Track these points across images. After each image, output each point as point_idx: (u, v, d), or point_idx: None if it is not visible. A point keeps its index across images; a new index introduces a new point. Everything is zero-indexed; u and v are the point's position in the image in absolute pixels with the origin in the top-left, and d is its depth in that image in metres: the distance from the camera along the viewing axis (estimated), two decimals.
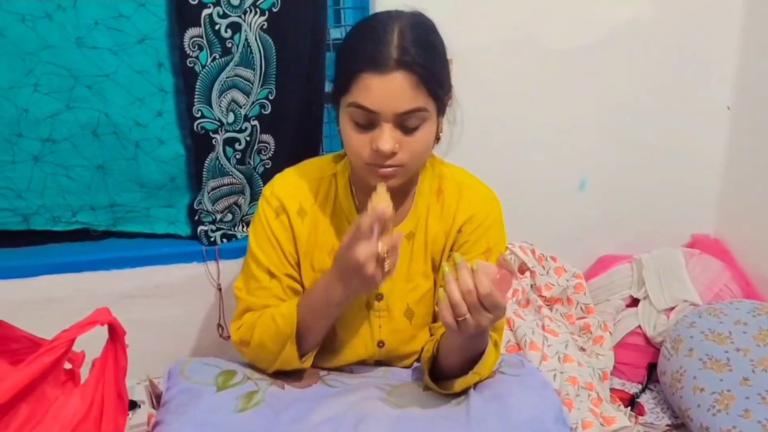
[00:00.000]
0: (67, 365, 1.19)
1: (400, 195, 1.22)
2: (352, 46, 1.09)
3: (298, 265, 1.25)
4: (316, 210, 1.23)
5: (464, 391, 1.18)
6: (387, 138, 1.05)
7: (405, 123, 1.06)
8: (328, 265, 1.21)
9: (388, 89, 1.03)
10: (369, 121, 1.06)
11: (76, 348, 1.18)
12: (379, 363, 1.32)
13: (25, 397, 1.06)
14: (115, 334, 1.18)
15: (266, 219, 1.22)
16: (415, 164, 1.13)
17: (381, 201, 1.02)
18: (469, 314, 0.98)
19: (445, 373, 1.18)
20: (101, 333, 1.19)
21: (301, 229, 1.22)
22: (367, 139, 1.07)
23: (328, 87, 1.78)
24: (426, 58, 1.04)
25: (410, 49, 1.03)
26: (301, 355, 1.19)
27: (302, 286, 1.26)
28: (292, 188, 1.23)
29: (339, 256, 1.08)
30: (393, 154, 1.06)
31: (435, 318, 1.28)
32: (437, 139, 1.17)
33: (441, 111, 1.12)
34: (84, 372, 1.21)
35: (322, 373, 1.29)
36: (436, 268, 1.26)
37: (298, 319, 1.15)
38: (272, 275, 1.22)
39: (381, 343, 1.27)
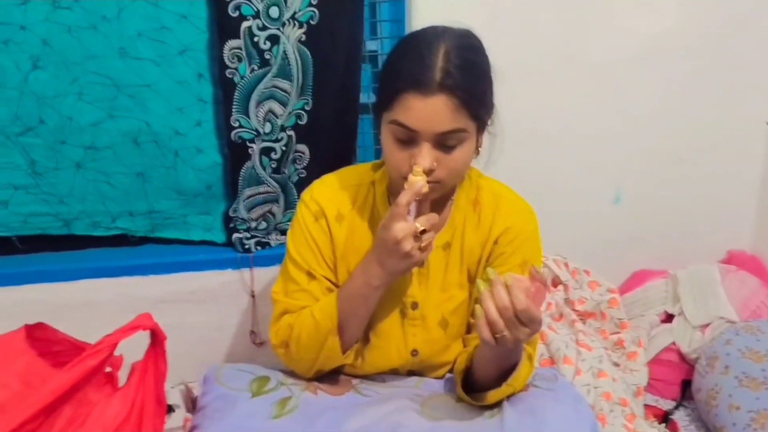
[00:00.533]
0: (107, 369, 1.20)
1: (437, 206, 1.22)
2: (396, 64, 1.09)
3: (335, 268, 1.26)
4: (354, 215, 1.24)
5: (497, 404, 1.18)
6: (425, 156, 1.06)
7: (444, 142, 1.07)
8: None
9: (429, 111, 1.04)
10: (409, 138, 1.08)
11: (115, 352, 1.20)
12: (411, 372, 1.32)
13: (68, 399, 1.08)
14: (156, 339, 1.20)
15: (305, 222, 1.24)
16: (453, 180, 1.15)
17: (417, 179, 1.05)
18: (506, 330, 0.98)
19: (479, 385, 1.17)
20: (138, 337, 1.21)
21: (339, 234, 1.24)
22: (406, 155, 1.09)
23: (363, 98, 1.80)
24: (469, 81, 1.05)
25: (454, 72, 1.03)
26: (344, 349, 1.19)
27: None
28: (331, 193, 1.25)
29: (377, 236, 1.10)
30: (431, 171, 1.08)
31: (469, 329, 1.28)
32: (476, 152, 1.17)
33: (481, 129, 1.13)
34: (122, 375, 1.23)
35: (355, 381, 1.29)
36: (471, 279, 1.26)
37: (338, 310, 1.16)
38: (311, 276, 1.23)
39: (415, 352, 1.27)
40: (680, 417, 1.79)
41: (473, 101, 1.06)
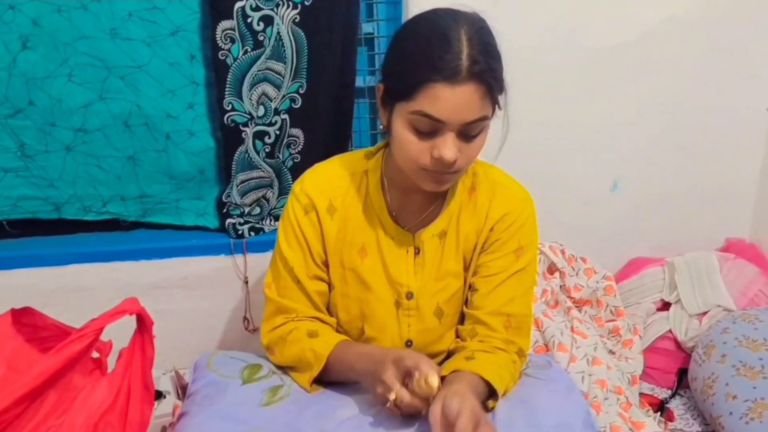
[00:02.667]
0: (95, 354, 1.19)
1: (436, 194, 1.20)
2: (417, 51, 1.03)
3: (326, 264, 1.24)
4: (346, 206, 1.22)
5: None
6: (451, 146, 1.03)
7: (468, 132, 1.04)
8: (357, 262, 1.21)
9: (458, 100, 1.00)
10: (433, 129, 1.03)
11: (104, 337, 1.18)
12: None
13: (53, 384, 1.07)
14: (143, 324, 1.18)
15: (295, 216, 1.21)
16: (467, 168, 1.12)
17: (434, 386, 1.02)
18: None
19: None
20: (129, 322, 1.19)
21: (330, 227, 1.21)
22: (427, 147, 1.05)
23: (359, 82, 1.77)
24: (492, 64, 1.01)
25: (480, 58, 0.99)
26: (312, 382, 1.19)
27: (329, 284, 1.25)
28: (322, 184, 1.22)
29: (377, 370, 1.07)
30: (454, 162, 1.04)
31: (462, 319, 1.26)
32: None
33: (494, 113, 1.09)
34: (111, 361, 1.22)
35: None
36: (467, 267, 1.24)
37: (326, 364, 1.16)
38: (298, 280, 1.22)
39: (409, 342, 1.26)
40: (676, 406, 1.78)
41: (497, 85, 1.03)
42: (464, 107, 1.01)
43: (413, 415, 1.07)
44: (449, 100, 0.99)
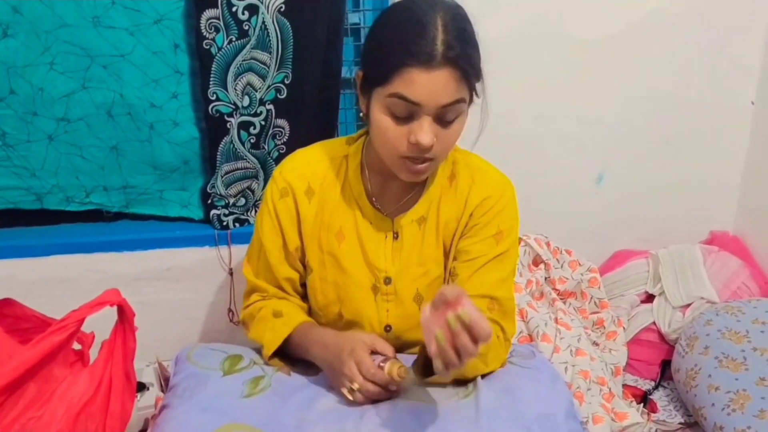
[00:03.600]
0: (77, 346, 1.18)
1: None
2: (392, 37, 1.04)
3: (302, 250, 1.25)
4: (324, 190, 1.22)
5: (473, 382, 1.17)
6: (427, 130, 1.04)
7: (444, 116, 1.05)
8: (335, 246, 1.22)
9: (434, 84, 1.01)
10: (409, 113, 1.04)
11: (87, 329, 1.18)
12: None
13: (33, 376, 1.06)
14: (124, 315, 1.17)
15: (272, 200, 1.23)
16: (444, 156, 1.12)
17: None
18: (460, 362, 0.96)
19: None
20: (112, 314, 1.18)
21: (307, 210, 1.22)
22: (404, 132, 1.06)
23: (345, 73, 1.76)
24: (469, 51, 1.03)
25: (455, 43, 1.01)
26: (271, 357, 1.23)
27: (305, 267, 1.27)
28: (301, 168, 1.23)
29: (334, 364, 1.12)
30: (431, 147, 1.05)
31: None
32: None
33: (471, 100, 1.10)
34: (93, 353, 1.21)
35: None
36: (447, 253, 1.25)
37: (285, 344, 1.21)
38: (269, 264, 1.26)
39: (388, 328, 1.26)
40: (659, 397, 1.80)
41: (473, 71, 1.04)
42: (440, 91, 1.02)
43: (378, 399, 1.12)
44: (425, 84, 1.01)
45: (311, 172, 1.23)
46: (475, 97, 1.10)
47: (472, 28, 1.07)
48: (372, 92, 1.08)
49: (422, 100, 1.02)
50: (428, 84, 1.01)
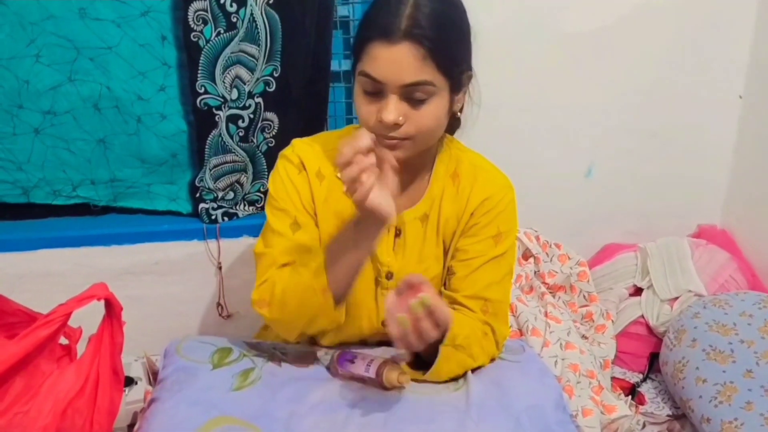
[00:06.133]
0: (64, 340, 1.17)
1: (416, 176, 1.21)
2: (366, 15, 1.07)
3: (316, 222, 1.22)
4: (332, 178, 1.21)
5: (463, 377, 1.17)
6: (391, 109, 1.04)
7: (411, 96, 1.04)
8: None
9: (393, 59, 1.01)
10: (376, 91, 1.05)
11: (74, 323, 1.17)
12: (381, 343, 1.31)
13: (19, 370, 1.05)
14: (112, 309, 1.16)
15: (287, 173, 1.19)
16: (424, 139, 1.10)
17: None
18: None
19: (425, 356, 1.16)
20: (99, 309, 1.18)
21: (319, 190, 1.20)
22: (374, 109, 1.06)
23: (335, 66, 1.75)
24: (438, 31, 1.02)
25: (421, 20, 1.01)
26: (337, 302, 1.11)
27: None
28: (311, 152, 1.22)
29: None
30: (397, 126, 1.05)
31: None
32: (456, 119, 1.15)
33: (455, 88, 1.09)
34: (81, 348, 1.20)
35: (320, 353, 1.27)
36: (446, 251, 1.25)
37: (326, 260, 1.09)
38: (297, 226, 1.17)
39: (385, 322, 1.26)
40: (647, 390, 1.81)
41: (441, 53, 1.02)
42: (400, 67, 1.02)
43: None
44: (385, 59, 1.02)
45: (320, 158, 1.21)
46: (452, 81, 1.08)
47: (455, 12, 1.07)
48: (354, 72, 1.09)
49: (384, 76, 1.02)
50: (389, 58, 1.01)
